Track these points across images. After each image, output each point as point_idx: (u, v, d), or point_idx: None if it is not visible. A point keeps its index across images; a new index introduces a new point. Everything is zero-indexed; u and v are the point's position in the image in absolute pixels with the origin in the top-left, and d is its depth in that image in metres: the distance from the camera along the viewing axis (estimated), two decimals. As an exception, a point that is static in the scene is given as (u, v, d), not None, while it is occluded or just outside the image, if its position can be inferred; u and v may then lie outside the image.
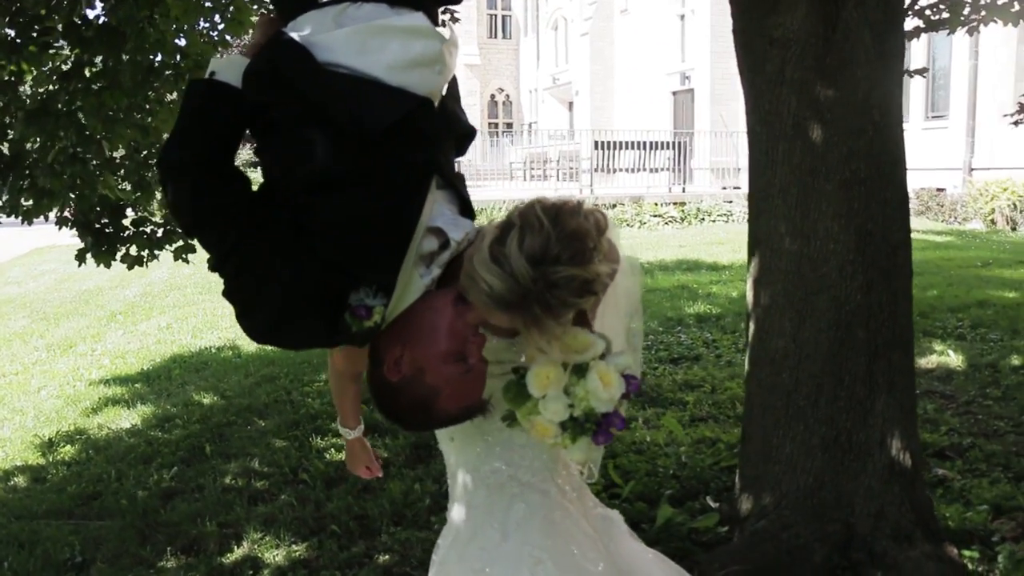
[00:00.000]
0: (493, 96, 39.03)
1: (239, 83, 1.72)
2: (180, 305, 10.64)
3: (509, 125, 38.22)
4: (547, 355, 1.72)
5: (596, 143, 19.85)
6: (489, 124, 36.26)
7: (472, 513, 2.07)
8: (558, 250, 1.57)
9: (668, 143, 21.13)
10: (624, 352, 1.84)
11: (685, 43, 24.92)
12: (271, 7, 2.00)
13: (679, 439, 4.55)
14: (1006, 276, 9.00)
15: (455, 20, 7.55)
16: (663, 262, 12.19)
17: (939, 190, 17.87)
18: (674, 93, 25.64)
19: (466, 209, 1.96)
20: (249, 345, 7.92)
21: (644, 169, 20.35)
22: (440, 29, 1.84)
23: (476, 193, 18.52)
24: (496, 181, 25.60)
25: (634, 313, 2.12)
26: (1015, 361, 5.90)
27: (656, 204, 18.40)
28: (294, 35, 1.70)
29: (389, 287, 1.77)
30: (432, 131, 1.86)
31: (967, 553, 3.17)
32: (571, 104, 33.86)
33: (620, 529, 2.34)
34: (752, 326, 3.30)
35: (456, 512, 2.16)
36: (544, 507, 2.01)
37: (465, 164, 20.83)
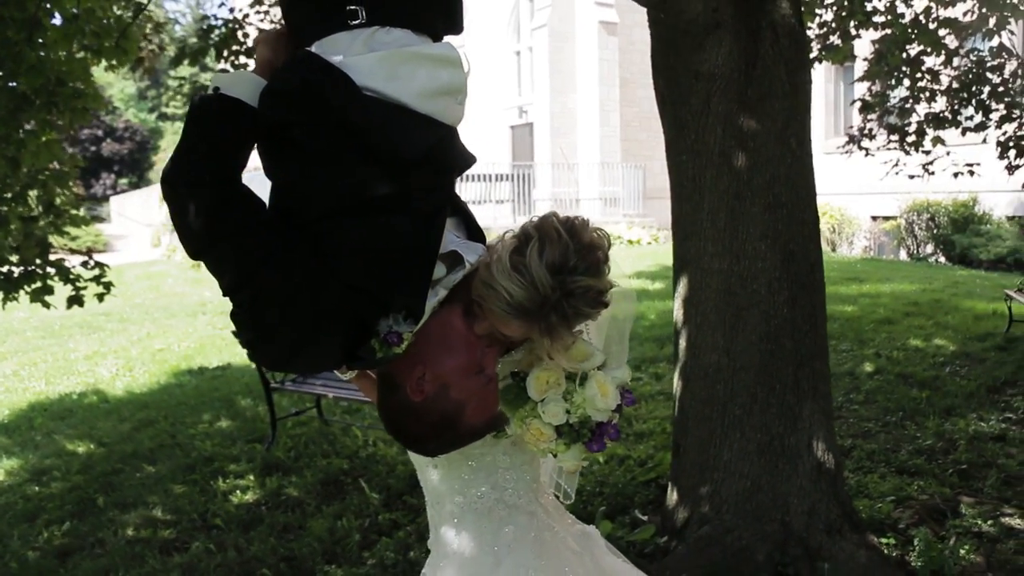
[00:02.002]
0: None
1: (252, 100, 1.69)
2: (24, 351, 9.87)
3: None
4: (554, 363, 1.77)
5: (444, 176, 20.01)
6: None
7: (462, 539, 2.05)
8: (576, 260, 1.62)
9: (508, 175, 21.60)
10: (622, 367, 1.90)
11: (522, 78, 25.62)
12: (281, 22, 1.92)
13: (592, 459, 4.68)
14: (841, 292, 9.79)
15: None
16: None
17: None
18: (512, 127, 26.25)
19: (473, 232, 2.00)
20: (115, 390, 7.48)
21: (489, 201, 20.71)
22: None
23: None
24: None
25: (626, 334, 2.12)
26: (868, 368, 6.46)
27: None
28: (333, 58, 1.69)
29: (418, 313, 1.77)
30: (450, 159, 1.89)
31: (884, 540, 3.47)
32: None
33: (599, 544, 2.41)
34: (683, 343, 3.48)
35: (444, 539, 2.15)
36: (533, 528, 2.04)
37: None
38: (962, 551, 3.42)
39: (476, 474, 2.02)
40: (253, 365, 8.08)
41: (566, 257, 1.61)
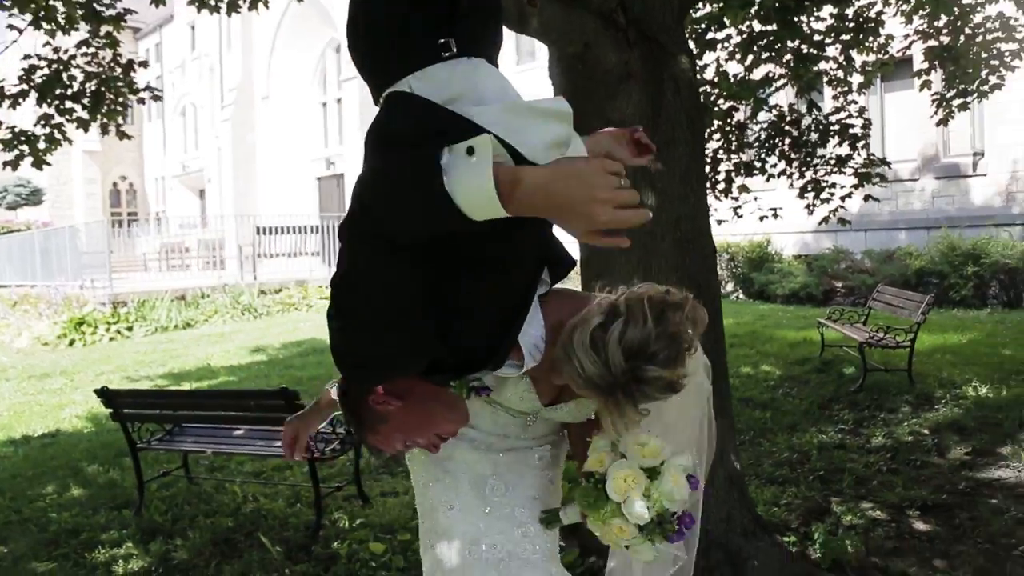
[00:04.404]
0: (116, 184, 36.46)
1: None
2: None
3: (133, 214, 35.88)
4: (628, 461, 1.78)
5: (258, 228, 19.51)
6: (112, 214, 33.69)
7: None
8: (655, 349, 1.61)
9: (317, 227, 21.41)
10: (684, 452, 1.83)
11: (328, 129, 25.54)
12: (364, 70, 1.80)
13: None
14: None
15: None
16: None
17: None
18: (319, 178, 26.04)
19: None
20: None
21: (302, 253, 20.38)
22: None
23: (117, 285, 17.24)
24: (130, 272, 23.81)
25: (704, 415, 2.06)
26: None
27: (320, 287, 18.49)
28: (469, 110, 1.60)
29: (501, 363, 1.77)
30: None
31: (786, 539, 3.82)
32: (202, 192, 32.78)
33: None
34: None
35: None
36: None
37: (94, 256, 19.25)
38: (847, 542, 3.84)
39: (492, 524, 2.01)
40: (88, 430, 7.56)
41: (646, 344, 1.61)
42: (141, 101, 7.40)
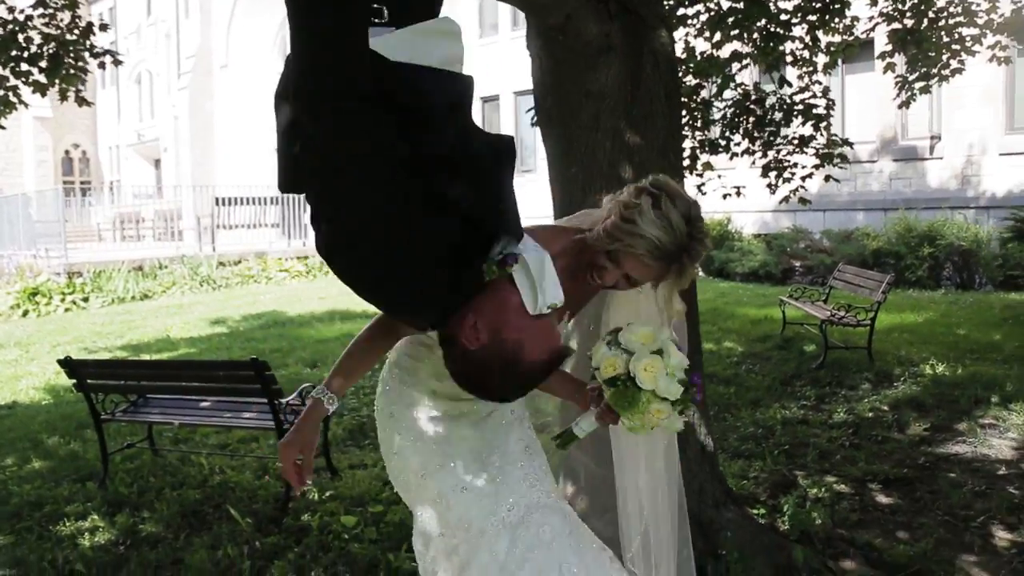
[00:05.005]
0: (68, 152, 35.61)
1: None
2: None
3: (86, 183, 35.12)
4: (664, 311, 2.05)
5: (217, 199, 19.21)
6: (65, 182, 32.91)
7: (507, 554, 2.10)
8: (697, 211, 1.98)
9: (277, 199, 21.15)
10: (661, 326, 2.06)
11: (289, 100, 25.13)
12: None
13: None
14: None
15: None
16: (314, 313, 12.26)
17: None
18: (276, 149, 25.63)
19: None
20: None
21: (262, 224, 20.13)
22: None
23: (72, 255, 16.88)
24: (84, 243, 23.32)
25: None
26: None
27: (280, 259, 18.30)
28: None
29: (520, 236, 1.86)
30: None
31: (755, 511, 3.89)
32: (158, 161, 32.17)
33: None
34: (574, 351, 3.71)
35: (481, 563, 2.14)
36: (568, 524, 2.16)
37: (47, 225, 18.85)
38: (814, 514, 3.92)
39: (501, 488, 2.13)
40: (46, 401, 7.42)
41: (691, 208, 1.97)
42: (102, 66, 7.23)
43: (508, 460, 2.17)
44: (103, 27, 7.23)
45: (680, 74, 7.38)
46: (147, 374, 5.40)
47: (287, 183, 1.84)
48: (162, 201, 24.98)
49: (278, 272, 17.85)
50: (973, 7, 7.72)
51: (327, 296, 14.33)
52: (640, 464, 2.35)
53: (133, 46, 31.42)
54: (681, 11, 7.03)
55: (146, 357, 9.21)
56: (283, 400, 4.64)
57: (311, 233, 16.27)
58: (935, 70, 8.07)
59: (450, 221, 1.68)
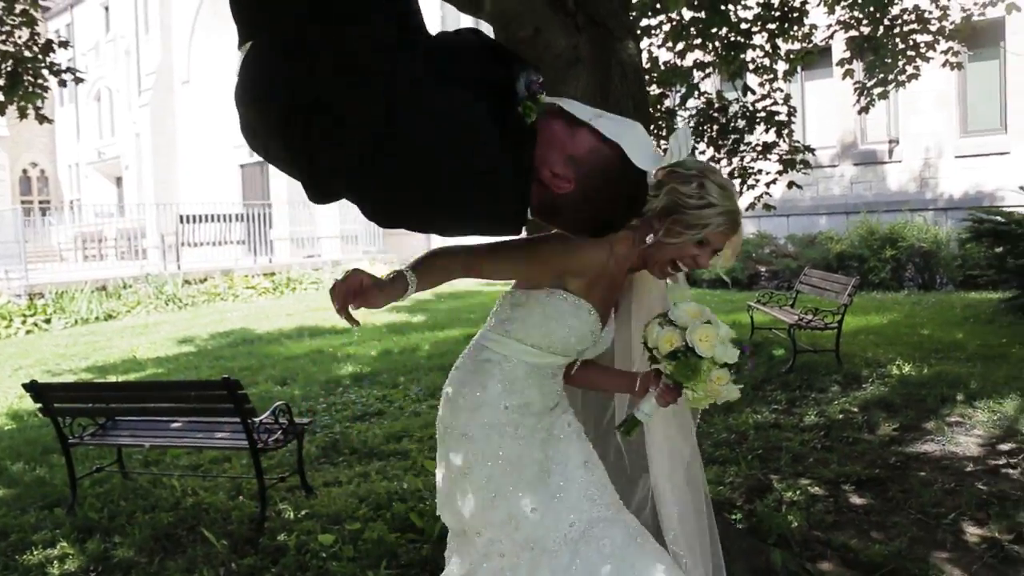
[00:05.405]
0: (26, 171, 35.06)
1: None
2: None
3: (45, 202, 34.60)
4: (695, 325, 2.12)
5: (181, 217, 19.01)
6: (23, 202, 32.37)
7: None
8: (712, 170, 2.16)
9: (242, 215, 21.00)
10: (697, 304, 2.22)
11: (252, 116, 24.93)
12: None
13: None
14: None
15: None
16: (283, 330, 12.18)
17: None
18: (242, 166, 25.48)
19: None
20: None
21: (228, 242, 19.95)
22: None
23: (32, 276, 16.58)
24: (44, 263, 22.91)
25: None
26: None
27: (247, 276, 18.15)
28: None
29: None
30: None
31: (733, 517, 3.92)
32: (119, 179, 31.77)
33: None
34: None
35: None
36: (635, 535, 2.18)
37: (6, 246, 18.50)
38: (790, 517, 3.96)
39: (561, 505, 2.17)
40: (9, 427, 7.28)
41: (713, 173, 2.13)
42: (62, 83, 7.14)
43: (569, 477, 2.19)
44: (63, 44, 7.14)
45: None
46: (116, 396, 5.32)
47: (319, 185, 1.68)
48: (124, 219, 24.67)
49: (245, 289, 17.70)
50: (926, 15, 7.89)
51: (295, 313, 14.24)
52: (668, 451, 2.42)
53: (92, 63, 31.04)
54: (644, 22, 7.11)
55: (113, 378, 9.07)
56: (256, 419, 4.60)
57: (277, 249, 16.13)
58: (892, 76, 8.24)
59: (464, 92, 1.61)
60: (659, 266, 2.18)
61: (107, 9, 30.50)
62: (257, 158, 22.61)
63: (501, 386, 2.17)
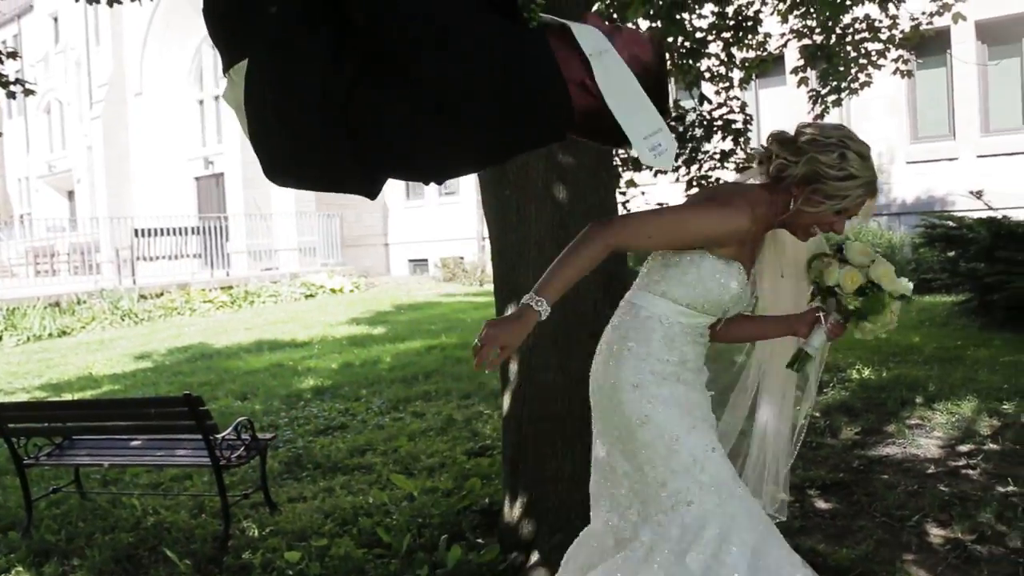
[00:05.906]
0: (-27, 186, 34.31)
1: None
2: None
3: (-6, 217, 33.84)
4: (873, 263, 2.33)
5: (136, 231, 18.71)
6: (-30, 217, 31.64)
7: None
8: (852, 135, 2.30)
9: (198, 228, 20.74)
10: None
11: (206, 127, 24.69)
12: None
13: (412, 493, 4.74)
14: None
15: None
16: (241, 344, 12.01)
17: (460, 258, 20.12)
18: (197, 178, 25.16)
19: None
20: None
21: (184, 255, 19.67)
22: None
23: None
24: (-6, 280, 22.42)
25: None
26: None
27: (204, 290, 17.89)
28: None
29: None
30: None
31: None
32: (71, 193, 31.17)
33: None
34: (514, 367, 3.72)
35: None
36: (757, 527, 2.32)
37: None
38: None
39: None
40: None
41: (853, 140, 2.27)
42: (10, 95, 6.96)
43: (647, 487, 2.33)
44: (11, 55, 6.98)
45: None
46: (72, 414, 5.20)
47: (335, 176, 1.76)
48: (77, 234, 24.16)
49: (202, 303, 17.43)
50: (876, 23, 8.04)
51: (253, 326, 14.06)
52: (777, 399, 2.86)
53: (41, 74, 30.44)
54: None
55: (68, 396, 8.87)
56: (218, 436, 4.53)
57: (235, 262, 16.02)
58: (845, 83, 8.37)
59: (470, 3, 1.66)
60: (801, 229, 2.31)
61: (56, 19, 29.94)
62: (212, 171, 22.26)
63: (663, 342, 2.28)
